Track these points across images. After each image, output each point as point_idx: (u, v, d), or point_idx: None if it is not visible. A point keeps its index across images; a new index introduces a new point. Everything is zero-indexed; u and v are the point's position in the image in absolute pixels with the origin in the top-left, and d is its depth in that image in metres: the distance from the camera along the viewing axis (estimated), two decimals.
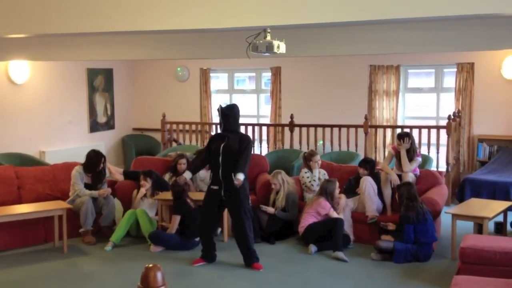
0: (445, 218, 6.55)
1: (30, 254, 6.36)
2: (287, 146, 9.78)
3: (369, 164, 6.91)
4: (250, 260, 5.85)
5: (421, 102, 10.32)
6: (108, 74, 10.85)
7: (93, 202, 6.78)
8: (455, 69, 9.38)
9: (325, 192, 6.54)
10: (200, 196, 6.30)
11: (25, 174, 7.05)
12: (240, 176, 5.65)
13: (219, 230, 6.87)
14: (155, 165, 7.55)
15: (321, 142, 9.36)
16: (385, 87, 9.84)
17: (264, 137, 10.29)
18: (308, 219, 6.51)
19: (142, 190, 6.92)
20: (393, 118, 9.82)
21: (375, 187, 6.66)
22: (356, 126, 9.08)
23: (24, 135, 9.02)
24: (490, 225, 6.55)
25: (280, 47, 5.05)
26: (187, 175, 6.12)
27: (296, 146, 9.55)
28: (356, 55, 9.04)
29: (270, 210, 6.87)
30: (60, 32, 4.99)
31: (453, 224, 6.08)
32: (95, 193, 6.84)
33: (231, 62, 10.61)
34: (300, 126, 9.53)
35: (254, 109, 11.16)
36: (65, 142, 9.85)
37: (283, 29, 5.41)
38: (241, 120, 6.28)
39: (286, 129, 9.76)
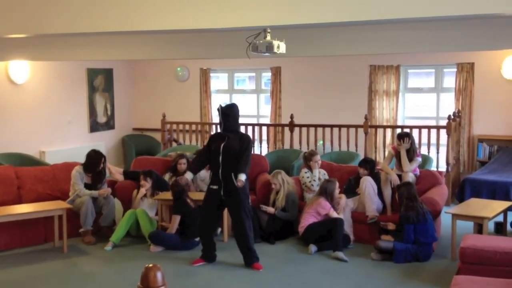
0: (445, 218, 6.55)
1: (30, 254, 6.36)
2: (287, 146, 9.78)
3: (369, 164, 6.91)
4: (250, 260, 5.85)
5: (421, 102, 10.32)
6: (108, 74, 10.85)
7: (93, 202, 6.78)
8: (455, 69, 9.37)
9: (325, 192, 6.55)
10: (200, 196, 6.30)
11: (25, 174, 7.04)
12: (242, 177, 5.65)
13: (219, 230, 6.87)
14: (155, 165, 7.55)
15: (321, 142, 9.36)
16: (385, 87, 9.84)
17: (264, 137, 10.29)
18: (308, 219, 6.51)
19: (142, 190, 6.92)
20: (393, 118, 9.82)
21: (375, 187, 6.66)
22: (356, 126, 9.08)
23: (24, 135, 9.01)
24: (490, 225, 6.55)
25: (280, 47, 5.05)
26: (189, 176, 6.08)
27: (296, 146, 9.55)
28: (356, 55, 9.04)
29: (270, 210, 6.87)
30: (60, 32, 5.00)
31: (453, 224, 6.08)
32: (95, 193, 6.84)
33: (231, 62, 10.61)
34: (300, 126, 9.53)
35: (254, 109, 11.16)
36: (65, 142, 9.85)
37: (283, 29, 5.41)
38: (241, 120, 6.29)
39: (286, 129, 9.76)
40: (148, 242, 6.51)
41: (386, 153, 8.07)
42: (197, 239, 6.35)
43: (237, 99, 11.02)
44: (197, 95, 11.24)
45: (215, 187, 5.81)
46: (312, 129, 9.41)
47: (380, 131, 9.47)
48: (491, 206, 6.41)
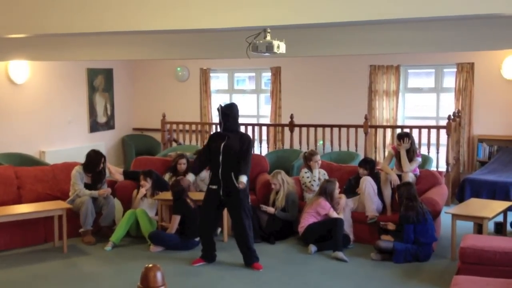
0: (445, 218, 6.55)
1: (30, 254, 6.36)
2: (287, 146, 9.79)
3: (369, 164, 6.91)
4: (250, 260, 5.85)
5: (421, 102, 10.32)
6: (108, 74, 10.85)
7: (93, 202, 6.78)
8: (455, 69, 9.38)
9: (325, 192, 6.55)
10: (200, 196, 6.29)
11: (25, 174, 7.04)
12: (243, 179, 5.65)
13: (219, 230, 6.87)
14: (155, 165, 7.55)
15: (321, 142, 9.36)
16: (385, 87, 9.84)
17: (264, 137, 10.29)
18: (308, 219, 6.51)
19: (142, 190, 6.92)
20: (393, 118, 9.82)
21: (375, 187, 6.66)
22: (356, 126, 9.08)
23: (24, 135, 9.02)
24: (490, 225, 6.55)
25: (280, 47, 5.05)
26: (191, 177, 6.00)
27: (296, 146, 9.55)
28: (356, 55, 9.04)
29: (270, 210, 6.87)
30: (60, 32, 4.99)
31: (453, 224, 6.08)
32: (95, 193, 6.84)
33: (231, 62, 10.61)
34: (300, 126, 9.53)
35: (254, 109, 11.16)
36: (65, 142, 9.85)
37: (283, 29, 5.40)
38: (241, 120, 6.29)
39: (286, 129, 9.77)
40: (148, 242, 6.51)
41: (386, 153, 8.07)
42: (197, 239, 6.35)
43: (237, 99, 11.02)
44: (197, 95, 11.24)
45: (214, 187, 5.81)
46: (312, 129, 9.41)
47: (380, 131, 9.47)
48: (491, 206, 6.41)
